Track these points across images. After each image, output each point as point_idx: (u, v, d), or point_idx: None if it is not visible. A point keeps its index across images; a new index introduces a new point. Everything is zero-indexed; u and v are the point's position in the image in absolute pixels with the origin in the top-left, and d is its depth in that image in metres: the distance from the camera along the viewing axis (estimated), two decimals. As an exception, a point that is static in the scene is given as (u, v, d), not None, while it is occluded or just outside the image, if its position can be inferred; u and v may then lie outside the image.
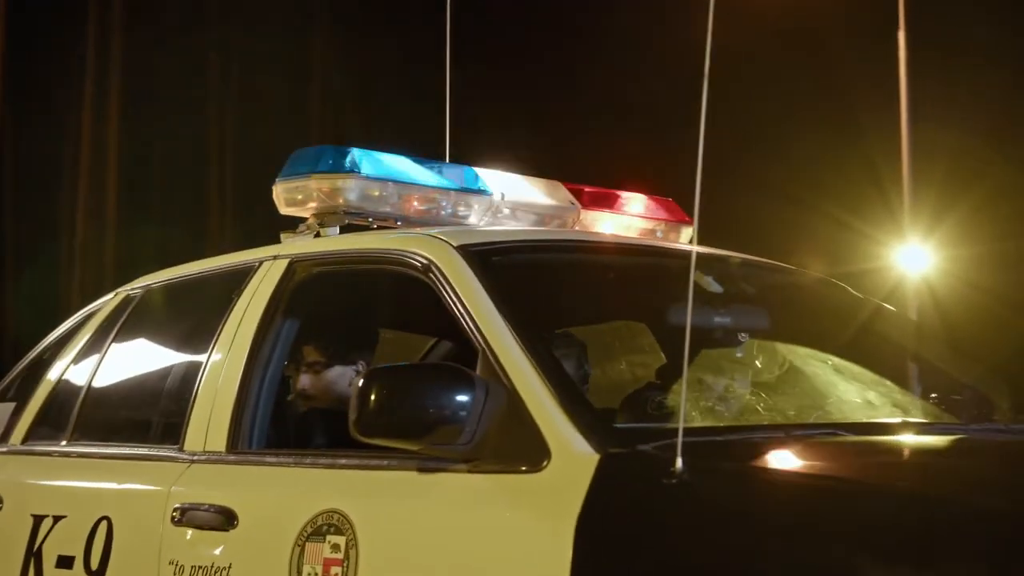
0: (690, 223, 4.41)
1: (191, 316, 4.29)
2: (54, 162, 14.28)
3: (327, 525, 3.04)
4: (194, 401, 3.68)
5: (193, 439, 3.62)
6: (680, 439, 2.56)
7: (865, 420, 3.55)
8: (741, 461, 2.76)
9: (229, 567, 3.27)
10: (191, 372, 3.81)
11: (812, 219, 13.28)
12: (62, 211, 14.43)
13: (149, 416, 4.03)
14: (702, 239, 3.25)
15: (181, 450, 3.63)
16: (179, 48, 14.20)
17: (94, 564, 3.67)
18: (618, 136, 13.99)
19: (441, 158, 4.64)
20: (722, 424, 3.43)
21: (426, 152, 4.39)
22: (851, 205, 13.55)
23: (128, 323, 4.34)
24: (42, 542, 3.88)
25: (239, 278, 3.87)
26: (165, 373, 4.05)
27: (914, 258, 13.47)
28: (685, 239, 4.44)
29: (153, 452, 3.80)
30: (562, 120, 14.37)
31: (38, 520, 3.93)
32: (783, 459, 2.83)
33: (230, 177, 14.73)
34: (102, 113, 14.28)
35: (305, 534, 3.08)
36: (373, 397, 2.85)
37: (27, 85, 14.03)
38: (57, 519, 3.88)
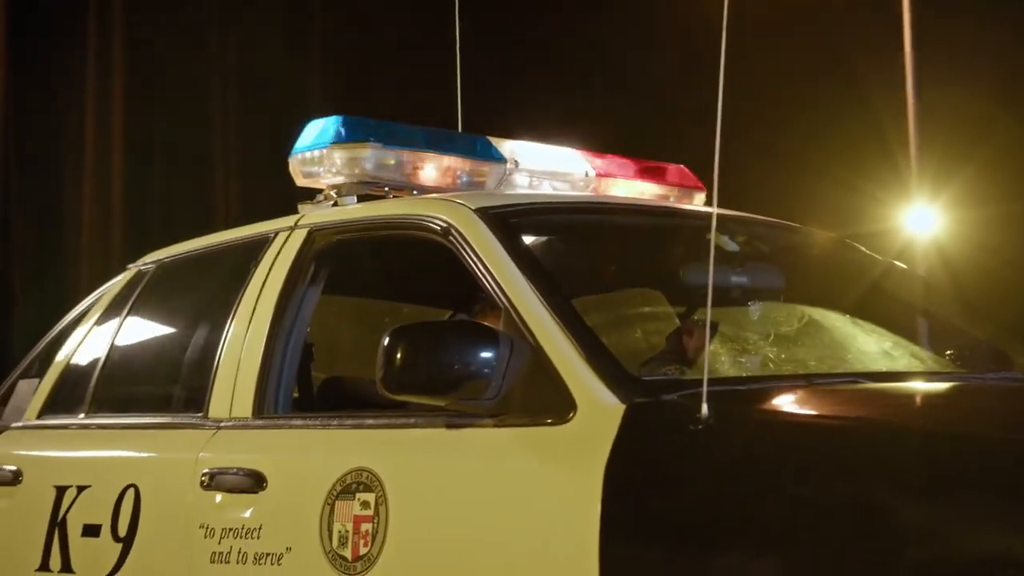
0: (703, 189, 4.45)
1: (206, 287, 4.29)
2: (56, 161, 14.27)
3: (356, 483, 3.07)
4: (216, 369, 3.69)
5: (218, 406, 3.64)
6: (705, 387, 2.59)
7: (885, 370, 3.58)
8: (765, 407, 2.79)
9: (260, 528, 3.30)
10: (211, 342, 3.83)
11: (819, 183, 13.23)
12: (66, 211, 14.41)
13: (167, 386, 4.05)
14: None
15: (206, 417, 3.66)
16: (179, 44, 14.17)
17: (122, 531, 3.69)
18: (631, 103, 13.94)
19: (453, 129, 4.67)
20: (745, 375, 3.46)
21: (437, 124, 4.42)
22: (858, 168, 13.51)
23: (142, 297, 4.33)
24: (66, 512, 3.90)
25: (255, 249, 3.89)
26: (183, 344, 4.06)
27: (922, 220, 13.45)
28: (698, 205, 4.46)
29: (177, 420, 3.82)
30: (575, 87, 14.29)
31: (61, 491, 3.95)
32: (806, 404, 2.86)
33: (234, 172, 14.69)
34: (103, 115, 14.25)
35: (335, 493, 3.11)
36: (399, 355, 2.88)
37: (27, 84, 14.03)
38: (81, 489, 3.89)
